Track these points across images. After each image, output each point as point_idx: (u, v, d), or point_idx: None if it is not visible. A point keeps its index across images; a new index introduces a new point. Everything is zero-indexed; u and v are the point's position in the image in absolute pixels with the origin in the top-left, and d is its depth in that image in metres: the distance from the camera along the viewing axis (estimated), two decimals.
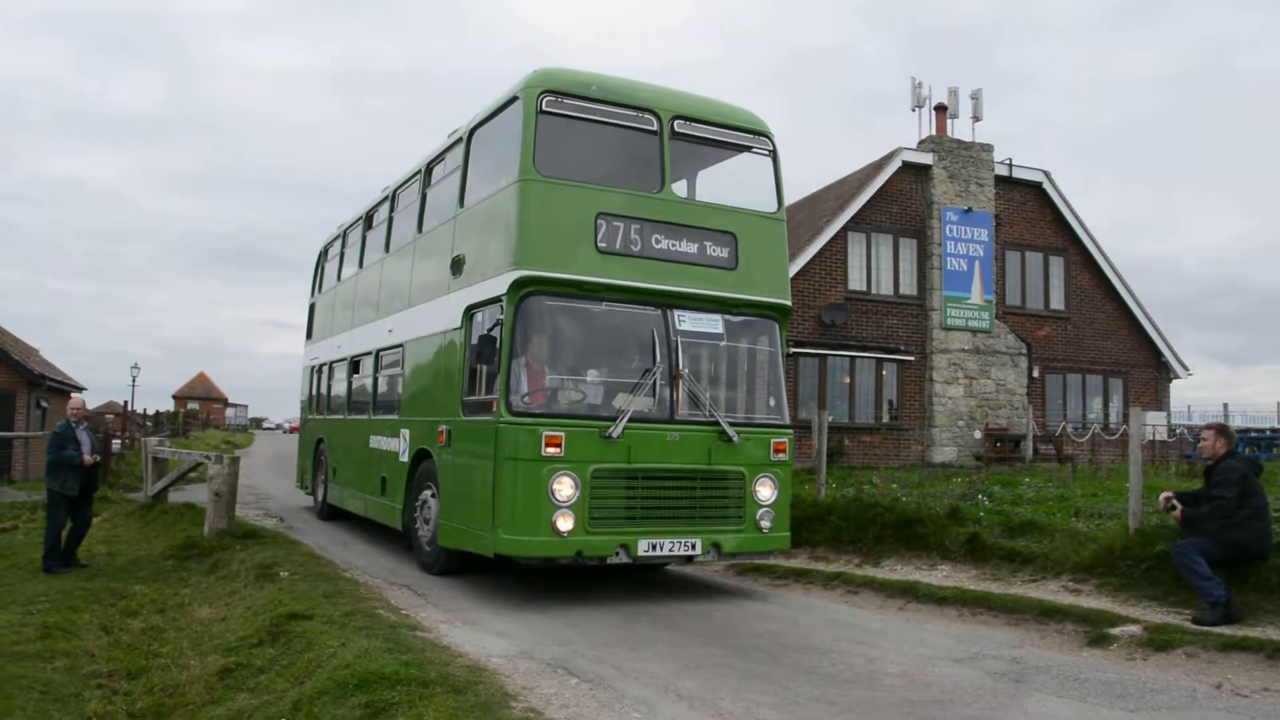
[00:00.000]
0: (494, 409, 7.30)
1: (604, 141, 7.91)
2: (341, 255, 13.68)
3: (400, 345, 9.92)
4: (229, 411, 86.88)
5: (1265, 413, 24.39)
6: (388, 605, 6.77)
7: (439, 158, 9.48)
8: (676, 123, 7.83)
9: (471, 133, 8.51)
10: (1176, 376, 22.97)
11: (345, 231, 13.56)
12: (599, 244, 7.41)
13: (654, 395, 7.40)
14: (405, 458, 9.36)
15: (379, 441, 10.37)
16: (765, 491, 7.76)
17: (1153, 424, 20.51)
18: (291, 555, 8.91)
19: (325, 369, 13.59)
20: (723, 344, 7.85)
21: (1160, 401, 22.54)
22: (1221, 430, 7.22)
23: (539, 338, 7.35)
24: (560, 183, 7.40)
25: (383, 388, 10.97)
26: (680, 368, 7.46)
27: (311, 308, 15.33)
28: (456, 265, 8.40)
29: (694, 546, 7.39)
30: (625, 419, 7.15)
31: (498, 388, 7.20)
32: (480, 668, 5.10)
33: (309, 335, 15.32)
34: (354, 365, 12.05)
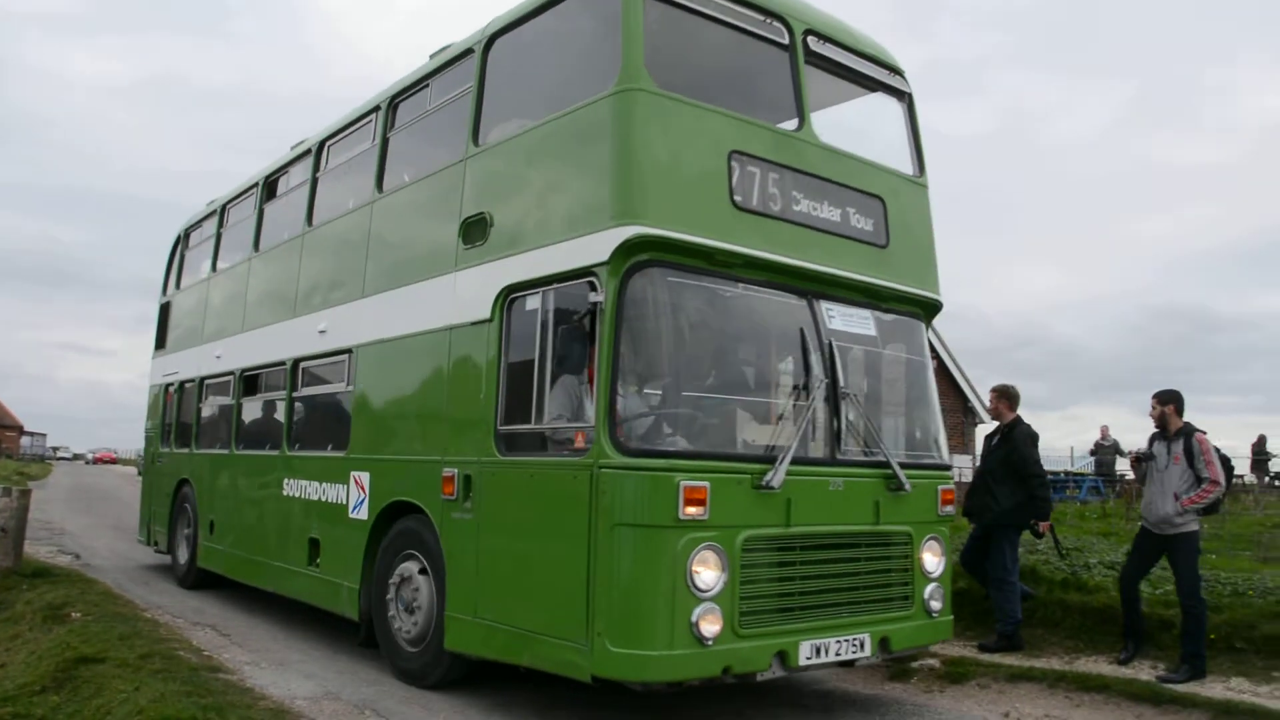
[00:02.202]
0: (578, 444, 4.48)
1: (718, 54, 5.29)
2: (218, 239, 10.03)
3: (345, 352, 6.76)
4: (24, 440, 78.04)
5: (1060, 455, 25.63)
6: (189, 646, 6.25)
7: (417, 85, 6.46)
8: (810, 39, 5.36)
9: (495, 37, 5.64)
10: (982, 421, 23.41)
11: (225, 208, 9.97)
12: (735, 197, 4.81)
13: (809, 425, 4.86)
14: (363, 514, 6.23)
15: (301, 488, 7.08)
16: (933, 559, 5.34)
17: (959, 466, 20.68)
18: (86, 594, 7.82)
19: (192, 388, 9.87)
20: (874, 351, 5.44)
21: (966, 445, 23.10)
22: (1004, 393, 7.11)
23: (657, 334, 4.61)
24: (680, 100, 4.71)
25: (307, 413, 7.67)
26: (842, 385, 4.98)
27: (164, 309, 11.42)
28: (472, 229, 5.48)
29: (862, 645, 4.85)
30: (786, 460, 4.57)
31: (590, 412, 4.40)
32: (284, 710, 4.84)
33: (160, 344, 11.36)
34: (247, 383, 8.59)
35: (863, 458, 5.02)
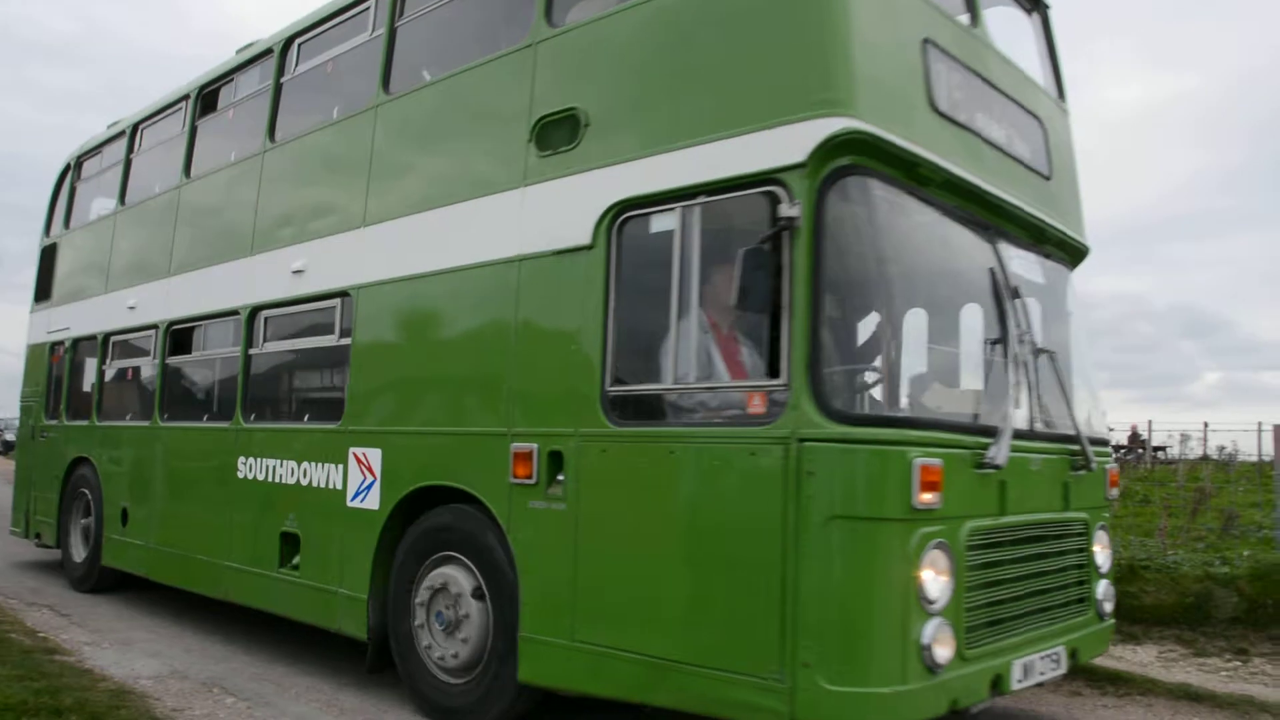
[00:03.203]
0: (754, 409, 3.26)
1: None
2: (128, 167, 8.01)
3: (336, 295, 5.19)
4: None
5: None
6: (23, 629, 5.90)
7: None
8: None
9: None
10: None
11: (137, 130, 7.97)
12: (933, 98, 3.66)
13: (1005, 391, 3.79)
14: (370, 502, 4.73)
15: (267, 469, 5.44)
16: (1102, 552, 4.43)
17: None
18: None
19: (91, 347, 7.87)
20: (1038, 303, 4.41)
21: None
22: None
23: (865, 263, 3.35)
24: None
25: (274, 375, 6.01)
26: (1040, 341, 3.94)
27: (48, 253, 9.13)
28: (552, 131, 4.03)
29: (1058, 660, 3.86)
30: (1010, 432, 3.49)
31: (786, 363, 3.13)
32: (126, 691, 4.58)
33: (43, 295, 9.11)
34: (176, 338, 6.77)
35: (1053, 430, 4.02)
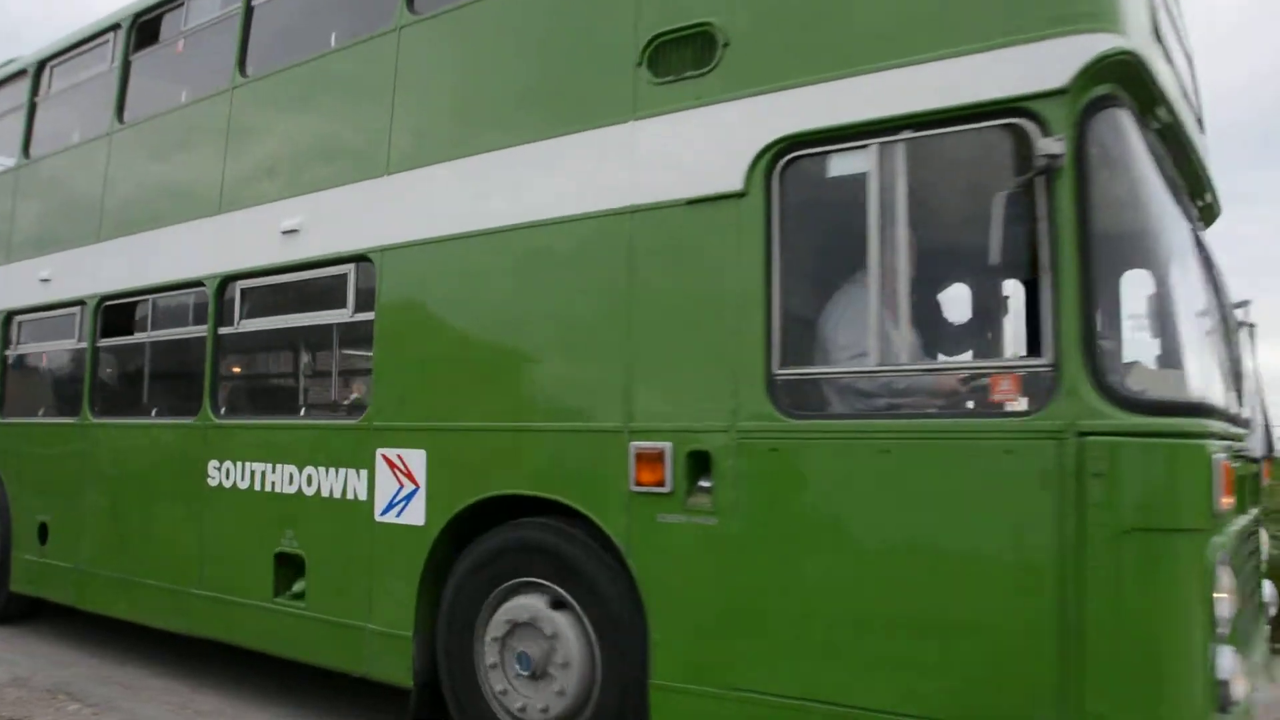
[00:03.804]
0: (999, 393, 2.55)
1: None
2: (31, 112, 6.51)
3: (351, 260, 4.11)
4: None
5: None
6: None
7: None
8: None
9: None
10: None
11: (45, 68, 6.52)
12: (1158, 27, 2.94)
13: (1238, 370, 3.21)
14: (413, 517, 3.76)
15: (251, 476, 4.34)
16: (1265, 552, 3.99)
17: None
18: None
19: None
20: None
21: None
22: None
23: (1128, 213, 2.64)
24: None
25: (257, 360, 4.96)
26: (1242, 317, 3.41)
27: None
28: (674, 52, 3.13)
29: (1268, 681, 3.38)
30: (1267, 423, 2.92)
31: (1051, 337, 2.44)
32: None
33: None
34: (110, 317, 5.48)
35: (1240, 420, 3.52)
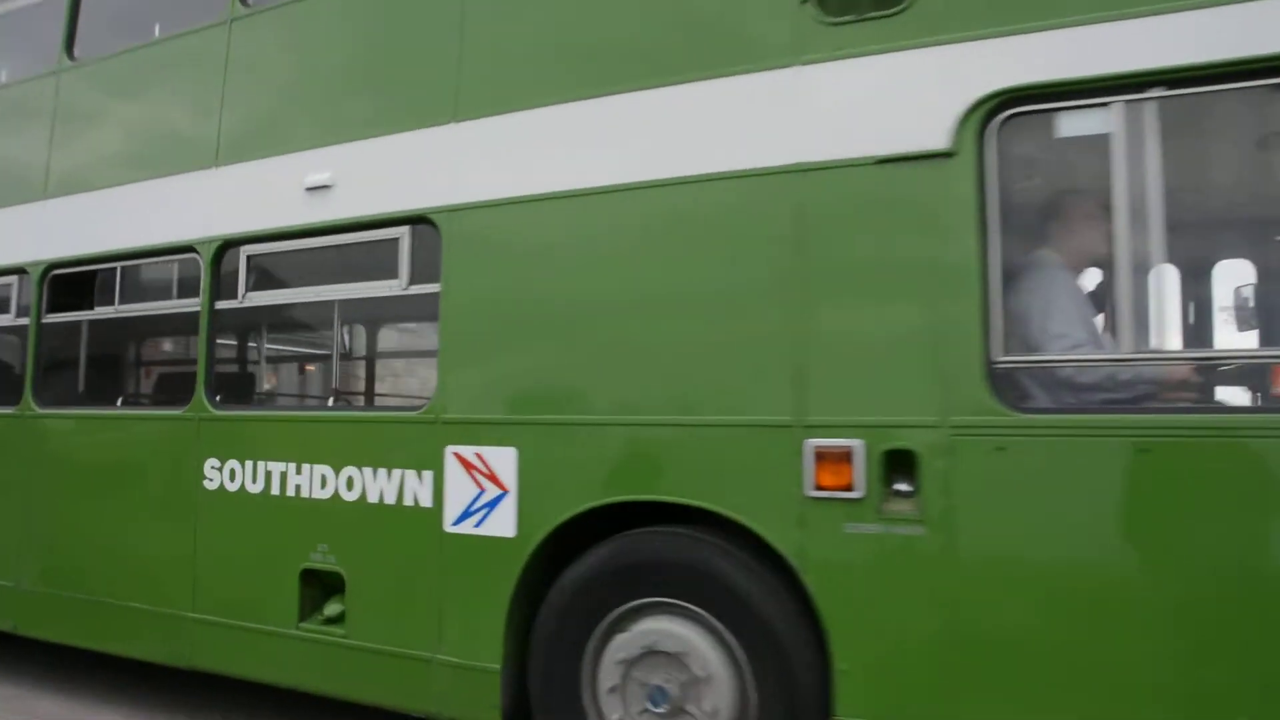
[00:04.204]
0: None
1: None
2: None
3: (409, 222, 3.42)
4: None
5: None
6: None
7: None
8: None
9: None
10: None
11: None
12: None
13: None
14: (500, 527, 3.12)
15: (268, 478, 3.60)
16: None
17: None
18: None
19: None
20: None
21: None
22: None
23: None
24: None
25: (262, 339, 4.13)
26: None
27: None
28: None
29: None
30: None
31: None
32: None
33: None
34: (61, 288, 4.50)
35: None
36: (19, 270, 4.65)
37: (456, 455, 3.26)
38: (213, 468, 3.88)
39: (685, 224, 2.94)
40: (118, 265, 4.41)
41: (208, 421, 3.94)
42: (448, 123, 3.45)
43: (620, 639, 2.94)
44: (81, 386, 4.68)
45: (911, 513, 2.55)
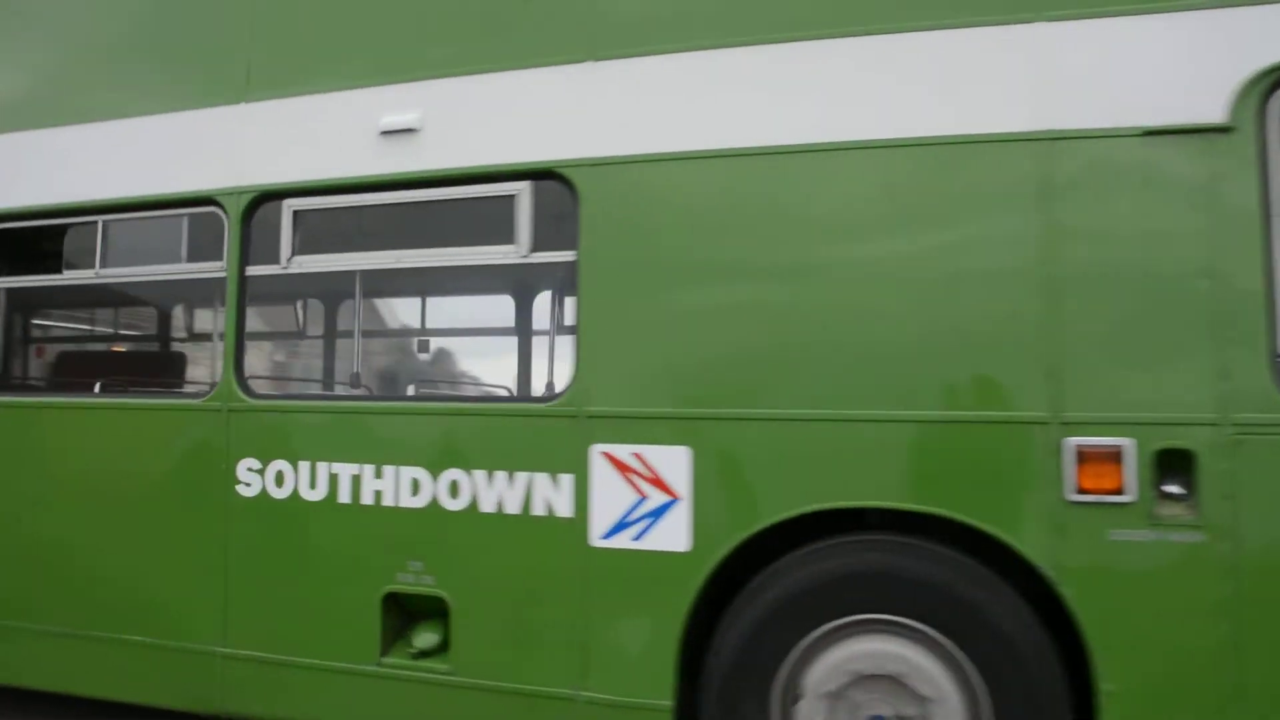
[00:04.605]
0: None
1: None
2: None
3: (530, 176, 2.86)
4: None
5: None
6: None
7: None
8: None
9: None
10: None
11: None
12: None
13: None
14: (673, 541, 2.58)
15: (335, 482, 2.94)
16: None
17: None
18: None
19: None
20: None
21: None
22: None
23: None
24: None
25: (313, 312, 3.37)
26: None
27: None
28: None
29: None
30: None
31: None
32: None
33: None
34: (10, 246, 3.59)
35: None
36: None
37: (607, 456, 2.76)
38: (250, 470, 3.16)
39: (915, 192, 2.58)
40: (97, 220, 3.52)
41: (240, 413, 3.20)
42: (585, 60, 2.92)
43: (822, 664, 2.58)
44: (53, 369, 3.73)
45: (1188, 517, 2.33)
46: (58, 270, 3.63)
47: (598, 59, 2.91)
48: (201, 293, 3.97)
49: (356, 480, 3.02)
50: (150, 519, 3.29)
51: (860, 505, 2.54)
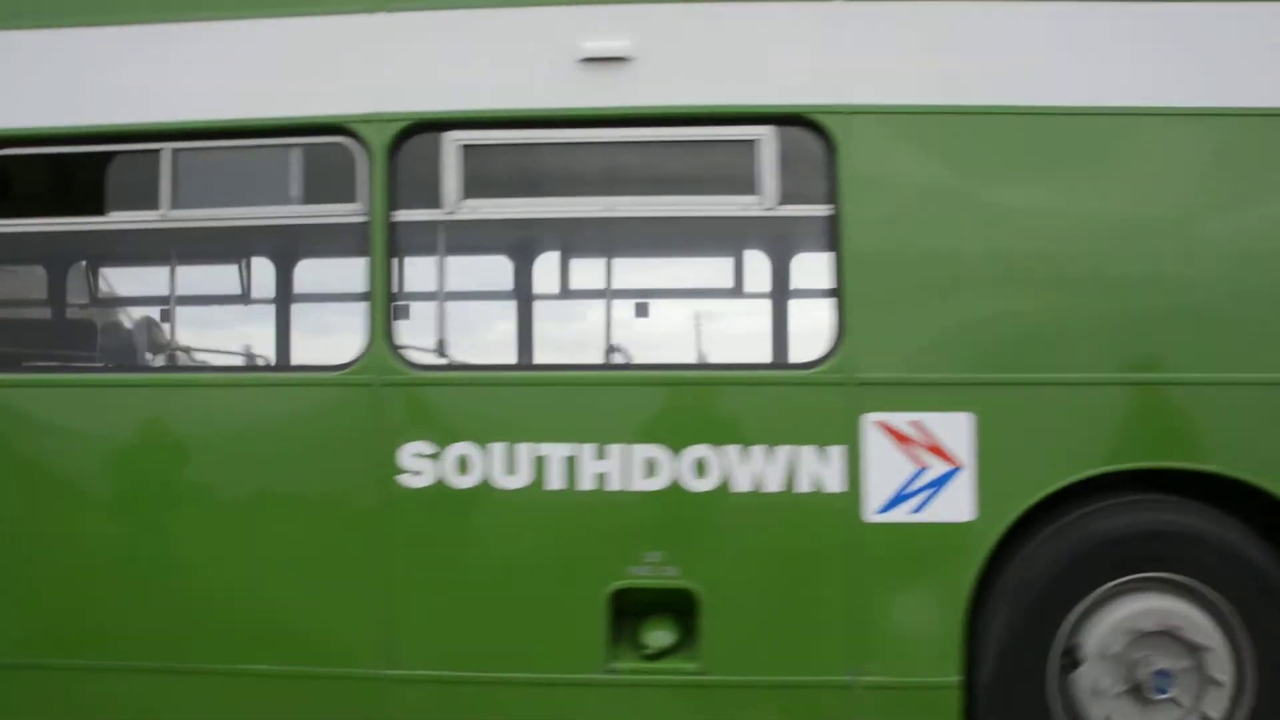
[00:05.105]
0: None
1: None
2: None
3: (777, 120, 2.53)
4: None
5: None
6: None
7: None
8: None
9: None
10: None
11: None
12: None
13: None
14: (960, 512, 2.43)
15: (540, 465, 2.50)
16: None
17: None
18: None
19: None
20: None
21: None
22: None
23: None
24: None
25: (464, 264, 2.81)
26: None
27: None
28: None
29: None
30: None
31: None
32: None
33: None
34: (21, 176, 2.65)
35: None
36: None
37: (882, 425, 2.55)
38: (419, 456, 2.61)
39: (1238, 162, 2.57)
40: (160, 148, 2.72)
41: (398, 387, 2.63)
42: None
43: (1100, 627, 2.56)
44: (114, 339, 2.84)
45: None
46: (99, 211, 2.78)
47: None
48: (312, 241, 3.22)
49: (572, 462, 2.59)
50: (278, 521, 2.64)
51: (1161, 466, 2.55)
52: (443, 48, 2.71)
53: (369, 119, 2.67)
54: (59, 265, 3.41)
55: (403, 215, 2.69)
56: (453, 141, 2.67)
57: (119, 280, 3.60)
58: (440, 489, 2.62)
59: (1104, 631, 2.57)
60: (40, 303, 3.48)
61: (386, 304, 2.67)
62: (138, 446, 2.65)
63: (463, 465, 2.62)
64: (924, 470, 2.57)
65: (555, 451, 2.61)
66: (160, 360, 2.97)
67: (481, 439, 2.61)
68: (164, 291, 3.07)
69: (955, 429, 2.57)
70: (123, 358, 3.21)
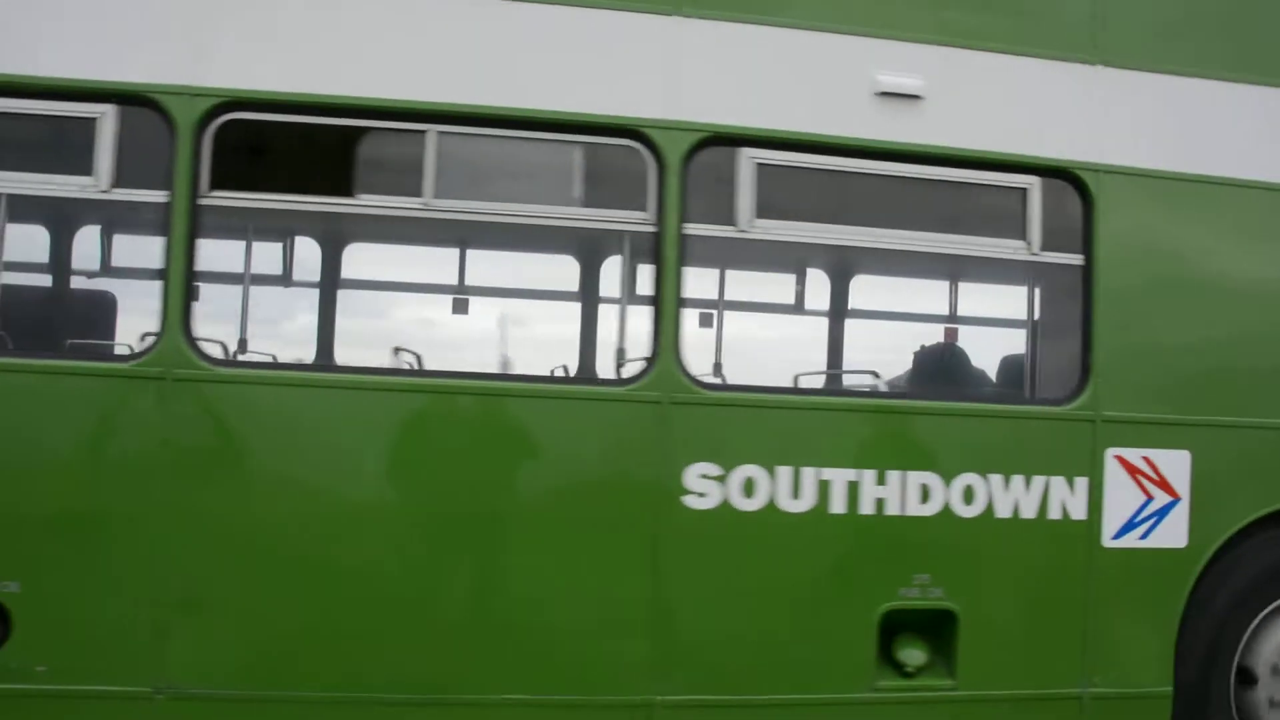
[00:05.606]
0: None
1: None
2: None
3: (1042, 172, 2.68)
4: None
5: None
6: None
7: None
8: None
9: None
10: None
11: None
12: None
13: None
14: (1175, 539, 2.71)
15: (824, 490, 2.51)
16: None
17: None
18: None
19: None
20: None
21: None
22: None
23: None
24: None
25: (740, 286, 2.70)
26: None
27: None
28: None
29: None
30: None
31: None
32: None
33: None
34: (237, 145, 2.26)
35: None
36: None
37: (1120, 459, 2.80)
38: (705, 478, 2.54)
39: None
40: (426, 130, 2.44)
41: (688, 406, 2.55)
42: (1094, 64, 2.83)
43: (1270, 644, 2.96)
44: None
45: None
46: (348, 193, 2.46)
47: (1107, 64, 2.87)
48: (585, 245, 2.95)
49: (854, 488, 2.64)
50: (552, 539, 2.48)
51: None
52: (738, 61, 2.65)
53: (664, 125, 2.57)
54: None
55: (694, 229, 2.62)
56: (749, 158, 2.63)
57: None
58: (725, 511, 2.58)
59: (1273, 648, 2.98)
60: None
61: (676, 318, 2.59)
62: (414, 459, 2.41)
63: (748, 488, 2.60)
64: (1150, 501, 2.86)
65: (836, 476, 2.65)
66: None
67: (768, 462, 2.60)
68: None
69: (1177, 464, 2.87)
70: None
